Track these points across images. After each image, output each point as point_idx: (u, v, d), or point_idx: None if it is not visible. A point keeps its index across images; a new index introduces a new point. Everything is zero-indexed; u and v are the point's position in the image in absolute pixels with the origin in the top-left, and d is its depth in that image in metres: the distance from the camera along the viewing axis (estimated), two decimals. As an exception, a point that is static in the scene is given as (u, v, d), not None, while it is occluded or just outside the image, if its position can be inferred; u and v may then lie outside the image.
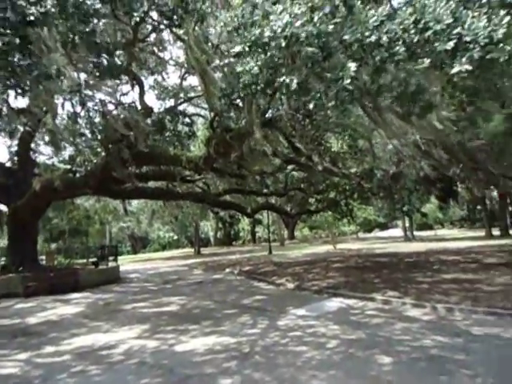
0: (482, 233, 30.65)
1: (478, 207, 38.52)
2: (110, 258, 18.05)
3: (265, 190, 19.56)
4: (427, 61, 4.25)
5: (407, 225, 35.27)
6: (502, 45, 3.93)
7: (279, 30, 4.43)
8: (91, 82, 10.84)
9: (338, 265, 15.89)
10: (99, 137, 12.65)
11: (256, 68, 4.76)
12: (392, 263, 15.28)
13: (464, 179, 25.76)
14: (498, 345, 5.39)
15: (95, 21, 7.24)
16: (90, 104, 12.88)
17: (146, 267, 23.20)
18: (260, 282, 13.36)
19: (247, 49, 4.94)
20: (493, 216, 33.01)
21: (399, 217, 36.91)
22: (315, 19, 4.36)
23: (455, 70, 4.01)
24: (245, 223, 48.29)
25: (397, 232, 42.70)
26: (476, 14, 4.03)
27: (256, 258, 22.36)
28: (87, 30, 6.94)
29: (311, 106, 7.96)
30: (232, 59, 5.27)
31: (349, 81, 4.59)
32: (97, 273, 15.56)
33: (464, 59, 3.93)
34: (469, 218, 48.14)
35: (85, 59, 9.29)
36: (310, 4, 4.54)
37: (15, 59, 6.08)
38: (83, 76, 11.59)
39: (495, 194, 32.07)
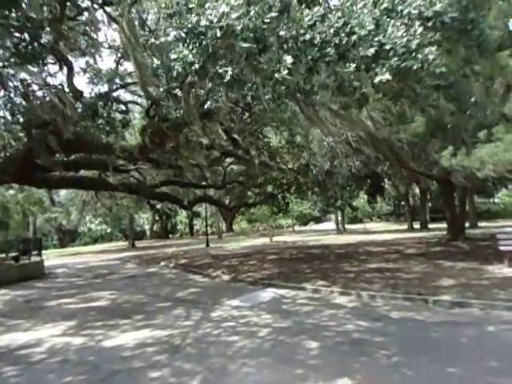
0: (405, 226, 33.27)
1: (402, 203, 41.71)
2: (34, 253, 16.76)
3: (203, 183, 19.39)
4: (353, 65, 4.48)
5: (339, 218, 37.18)
6: (415, 54, 4.28)
7: (215, 20, 4.38)
8: (12, 61, 9.88)
9: (273, 257, 16.31)
10: (21, 120, 11.59)
11: (190, 56, 4.67)
12: (323, 254, 16.04)
13: (390, 176, 27.81)
14: (412, 327, 5.92)
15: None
16: (10, 84, 11.77)
17: (74, 261, 21.91)
18: (195, 274, 13.27)
19: (183, 35, 4.82)
20: (414, 211, 35.94)
21: (332, 211, 38.74)
22: (251, 13, 4.38)
23: (377, 79, 4.28)
24: (182, 216, 47.58)
25: (330, 225, 44.79)
26: (397, 23, 4.33)
27: (193, 251, 22.15)
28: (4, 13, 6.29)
29: (249, 98, 8.03)
30: (168, 42, 5.07)
31: (286, 72, 4.69)
32: (17, 268, 14.38)
33: (384, 69, 4.21)
34: (394, 212, 51.97)
35: (4, 37, 8.44)
36: None
37: None
38: (2, 54, 10.56)
39: (417, 190, 34.96)
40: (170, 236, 48.79)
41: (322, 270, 11.34)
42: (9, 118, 11.98)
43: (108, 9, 10.83)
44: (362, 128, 11.17)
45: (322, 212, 48.15)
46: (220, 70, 4.77)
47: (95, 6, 10.86)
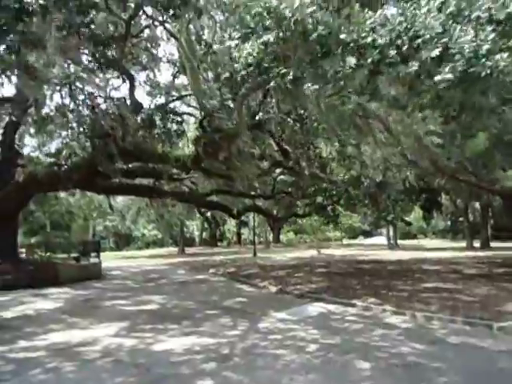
0: (464, 244, 31.19)
1: (461, 219, 39.18)
2: (93, 254, 17.79)
3: (252, 192, 19.54)
4: (416, 64, 4.32)
5: (391, 233, 35.69)
6: (484, 60, 4.02)
7: (289, 14, 4.46)
8: (81, 74, 10.70)
9: (322, 270, 15.96)
10: (87, 130, 12.46)
11: (254, 55, 4.77)
12: (374, 270, 15.43)
13: (448, 191, 26.27)
14: (474, 354, 5.47)
15: (92, 13, 7.13)
16: (79, 97, 12.73)
17: (128, 265, 22.92)
18: (243, 284, 13.32)
19: (254, 24, 4.90)
20: (474, 228, 33.61)
21: (383, 225, 37.31)
22: (326, 8, 4.43)
23: (438, 77, 4.09)
24: (231, 224, 48.17)
25: (380, 240, 43.17)
26: (464, 28, 4.12)
27: (240, 260, 22.31)
28: (84, 21, 6.84)
29: (302, 109, 7.98)
30: (234, 41, 5.19)
31: (350, 70, 4.64)
32: (78, 268, 15.31)
33: (447, 69, 4.01)
34: (451, 229, 48.94)
35: (76, 49, 9.17)
36: None
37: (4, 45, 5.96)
38: (74, 69, 11.46)
39: (477, 206, 32.71)
40: (219, 244, 49.58)
41: (373, 287, 10.90)
42: (76, 128, 12.94)
43: (167, 25, 11.41)
44: (417, 145, 10.70)
45: (372, 226, 46.56)
46: (283, 70, 4.82)
47: (156, 23, 11.48)
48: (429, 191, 25.04)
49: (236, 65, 4.95)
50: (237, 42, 5.05)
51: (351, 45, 4.57)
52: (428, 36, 4.08)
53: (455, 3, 4.26)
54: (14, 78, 9.54)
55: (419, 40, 4.15)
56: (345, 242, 46.44)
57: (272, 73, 5.10)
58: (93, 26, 8.20)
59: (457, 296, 9.22)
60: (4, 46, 5.98)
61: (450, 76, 3.99)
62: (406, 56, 4.36)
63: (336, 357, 5.37)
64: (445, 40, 4.04)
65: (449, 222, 49.01)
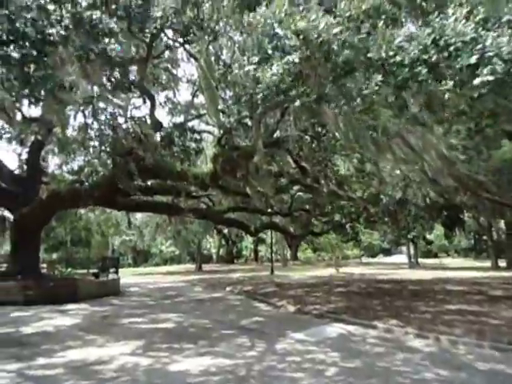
0: (488, 263, 30.11)
1: (484, 237, 37.95)
2: (111, 270, 17.96)
3: (269, 210, 19.49)
4: (450, 82, 4.27)
5: (412, 252, 34.84)
6: None
7: (315, 36, 4.50)
8: (104, 95, 11.03)
9: (341, 289, 15.63)
10: (108, 149, 12.77)
11: (277, 76, 4.80)
12: (395, 290, 15.01)
13: (471, 208, 25.55)
14: (504, 382, 5.19)
15: (107, 40, 7.41)
16: (101, 116, 13.11)
17: (146, 281, 23.02)
18: (260, 302, 13.15)
19: (288, 36, 4.93)
20: (499, 247, 32.45)
21: (404, 243, 36.50)
22: (351, 28, 4.46)
23: (477, 81, 4.01)
24: (248, 241, 48.04)
25: (401, 258, 42.16)
26: (496, 34, 4.07)
27: (258, 278, 22.11)
28: (100, 48, 7.11)
29: (336, 110, 7.96)
30: (252, 67, 5.26)
31: (376, 87, 4.62)
32: (97, 284, 15.45)
33: (486, 70, 3.93)
34: (475, 247, 47.41)
35: (99, 73, 9.48)
36: (347, 14, 4.64)
37: (30, 70, 6.21)
38: (96, 89, 11.82)
39: (502, 224, 31.65)
40: (235, 261, 49.39)
41: (394, 308, 10.57)
42: (97, 147, 13.28)
43: (187, 46, 11.71)
44: (439, 160, 10.50)
45: (392, 244, 45.58)
46: (307, 90, 4.84)
47: (177, 44, 11.80)
48: (450, 208, 24.43)
49: (257, 86, 4.99)
50: (255, 66, 5.11)
51: (378, 62, 4.56)
52: (460, 43, 4.04)
53: (483, 10, 4.23)
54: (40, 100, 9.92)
55: (451, 48, 4.10)
56: (364, 260, 45.56)
57: (293, 92, 5.13)
58: (113, 52, 8.47)
59: (483, 319, 8.84)
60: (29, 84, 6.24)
61: (490, 77, 3.91)
62: (436, 70, 4.31)
63: (356, 381, 5.18)
64: (480, 45, 3.99)
65: (472, 241, 47.53)
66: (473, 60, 3.99)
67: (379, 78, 4.44)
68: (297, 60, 4.69)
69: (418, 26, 5.62)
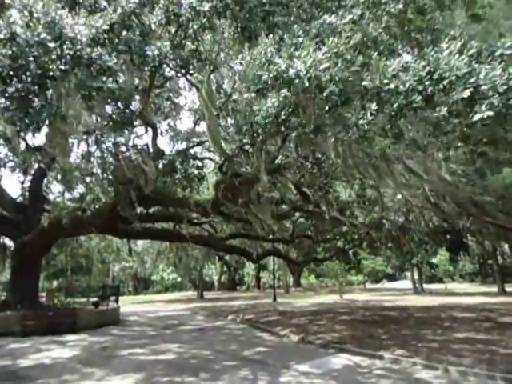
0: (495, 288, 29.56)
1: (490, 261, 37.44)
2: (112, 299, 17.67)
3: (271, 236, 19.36)
4: (444, 109, 4.33)
5: (416, 277, 34.31)
6: None
7: (303, 72, 4.60)
8: (104, 130, 11.18)
9: (345, 317, 15.30)
10: (110, 177, 12.85)
11: (273, 108, 4.88)
12: (401, 318, 14.68)
13: (475, 232, 25.34)
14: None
15: (105, 78, 7.59)
16: (103, 145, 13.27)
17: (146, 310, 22.62)
18: (263, 332, 12.85)
19: (270, 82, 5.06)
20: (505, 271, 31.97)
21: (408, 268, 36.02)
22: (339, 64, 4.55)
23: (477, 117, 4.07)
24: (250, 268, 47.45)
25: (405, 284, 41.45)
26: (490, 66, 4.16)
27: (260, 306, 21.71)
28: (98, 85, 7.27)
29: (322, 152, 8.05)
30: (252, 95, 5.37)
31: (371, 117, 4.69)
32: (96, 314, 15.17)
33: (484, 106, 3.99)
34: (480, 272, 46.71)
35: (100, 106, 9.65)
36: (334, 50, 4.74)
37: (31, 102, 6.33)
38: (99, 120, 12.03)
39: (506, 247, 31.33)
40: (237, 288, 48.66)
41: (400, 337, 10.31)
42: (100, 175, 13.38)
43: (189, 77, 11.98)
44: (440, 185, 10.53)
45: (396, 269, 44.97)
46: (303, 121, 4.91)
47: (179, 74, 12.08)
48: (454, 233, 24.23)
49: (256, 117, 5.08)
50: (254, 95, 5.22)
51: (373, 91, 4.65)
52: (454, 77, 4.12)
53: (476, 45, 4.35)
54: (44, 129, 10.08)
55: (445, 82, 4.19)
56: (368, 286, 44.82)
57: (291, 123, 5.21)
58: (111, 88, 8.63)
59: (492, 348, 8.60)
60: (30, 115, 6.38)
61: (489, 113, 3.97)
62: (432, 99, 4.39)
63: (364, 417, 4.98)
64: (473, 79, 4.07)
65: (477, 265, 46.88)
66: (466, 93, 4.07)
67: (373, 106, 4.51)
68: (289, 94, 4.79)
69: (412, 57, 5.77)
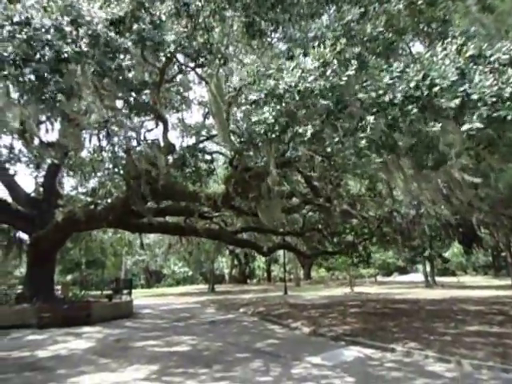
0: (508, 281, 29.20)
1: (503, 254, 36.93)
2: (125, 292, 17.95)
3: (281, 229, 19.39)
4: (438, 125, 4.29)
5: (428, 270, 34.05)
6: (509, 103, 3.94)
7: (293, 84, 4.58)
8: (118, 119, 11.28)
9: (356, 310, 15.31)
10: (122, 171, 12.97)
11: (271, 118, 4.89)
12: (412, 311, 14.63)
13: (488, 225, 24.99)
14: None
15: (122, 57, 7.63)
16: (115, 139, 13.38)
17: (159, 303, 22.91)
18: (274, 324, 12.94)
19: (263, 96, 5.10)
20: (519, 264, 31.49)
21: (419, 261, 35.76)
22: (328, 73, 4.50)
23: (465, 127, 4.02)
24: (260, 261, 47.64)
25: (417, 277, 41.18)
26: (486, 69, 4.08)
27: (271, 299, 21.82)
28: (115, 65, 7.30)
29: (329, 149, 8.06)
30: (250, 107, 5.43)
31: (369, 131, 4.67)
32: (110, 307, 15.43)
33: (474, 117, 3.94)
34: (493, 265, 46.12)
35: (113, 96, 9.73)
36: (321, 60, 4.70)
37: (48, 86, 6.39)
38: (111, 114, 12.12)
39: (520, 240, 30.80)
40: (248, 281, 48.93)
41: (412, 329, 10.29)
42: (111, 169, 13.52)
43: (199, 70, 11.98)
44: (448, 182, 10.41)
45: (407, 262, 44.65)
46: (300, 130, 4.91)
47: (188, 68, 12.09)
48: (467, 226, 23.93)
49: (253, 127, 5.11)
50: (249, 107, 5.24)
51: (369, 101, 4.60)
52: (445, 84, 4.06)
53: (474, 46, 4.25)
54: (56, 125, 10.22)
55: (436, 88, 4.12)
56: (379, 279, 44.67)
57: (289, 132, 5.22)
58: (126, 73, 8.67)
59: (506, 341, 8.54)
60: (43, 97, 6.44)
61: (478, 125, 3.92)
62: (424, 107, 4.33)
63: (376, 409, 5.01)
64: (464, 87, 4.00)
65: (490, 258, 46.29)
66: (456, 102, 4.01)
67: (371, 119, 4.46)
68: (279, 108, 4.79)
69: (410, 59, 5.66)
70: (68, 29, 6.20)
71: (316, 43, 4.84)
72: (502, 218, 20.26)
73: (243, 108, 5.69)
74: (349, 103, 4.72)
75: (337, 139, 5.19)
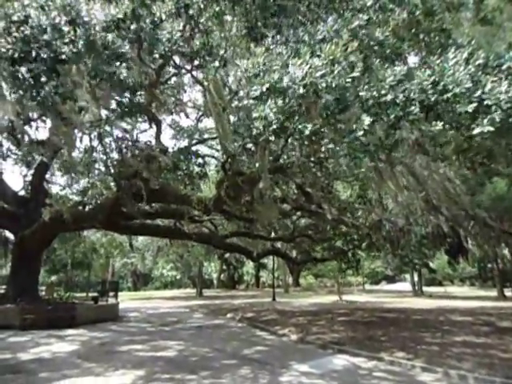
0: (494, 292, 29.55)
1: (490, 265, 37.40)
2: (111, 294, 17.68)
3: (272, 235, 19.34)
4: (440, 123, 4.31)
5: (416, 279, 34.30)
6: None
7: (299, 79, 4.57)
8: (111, 119, 11.16)
9: (344, 318, 15.29)
10: (113, 172, 12.82)
11: (271, 114, 4.87)
12: (400, 320, 14.66)
13: (475, 235, 25.30)
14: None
15: (118, 63, 7.56)
16: (107, 139, 13.22)
17: (145, 306, 22.63)
18: (262, 330, 12.84)
19: (264, 90, 5.06)
20: (505, 275, 31.94)
21: (407, 270, 36.01)
22: (335, 72, 4.51)
23: (477, 131, 4.05)
24: (249, 266, 47.49)
25: (405, 286, 41.46)
26: (496, 78, 4.13)
27: (259, 305, 21.72)
28: (111, 70, 7.24)
29: (322, 154, 8.05)
30: (250, 101, 5.38)
31: (361, 133, 4.68)
32: (95, 309, 15.17)
33: (486, 121, 3.98)
34: (480, 275, 46.68)
35: (108, 96, 9.63)
36: (331, 57, 4.71)
37: (44, 85, 6.30)
38: (104, 112, 11.98)
39: (507, 252, 31.24)
40: (237, 286, 48.68)
41: (399, 339, 10.29)
42: (102, 169, 13.35)
43: (194, 72, 11.94)
44: (441, 189, 10.52)
45: (396, 271, 44.95)
46: (299, 126, 4.89)
47: (184, 71, 12.05)
48: (454, 236, 24.18)
49: (254, 122, 5.08)
50: (252, 101, 5.21)
51: (370, 101, 4.62)
52: (458, 90, 4.10)
53: (483, 55, 4.31)
54: (47, 123, 10.09)
55: (449, 94, 4.16)
56: (367, 287, 44.83)
57: (289, 129, 5.21)
58: (122, 75, 8.60)
59: (492, 352, 8.59)
60: (39, 98, 6.34)
61: (490, 128, 3.96)
62: (433, 110, 4.36)
63: (364, 419, 4.97)
64: (478, 93, 4.05)
65: (476, 269, 46.84)
66: (471, 107, 4.06)
67: (367, 121, 4.48)
68: (282, 104, 4.78)
69: (418, 63, 5.73)
70: (66, 29, 6.13)
71: (325, 44, 4.85)
72: (488, 230, 20.53)
73: (243, 103, 5.63)
74: (349, 103, 4.73)
75: (335, 139, 5.20)
